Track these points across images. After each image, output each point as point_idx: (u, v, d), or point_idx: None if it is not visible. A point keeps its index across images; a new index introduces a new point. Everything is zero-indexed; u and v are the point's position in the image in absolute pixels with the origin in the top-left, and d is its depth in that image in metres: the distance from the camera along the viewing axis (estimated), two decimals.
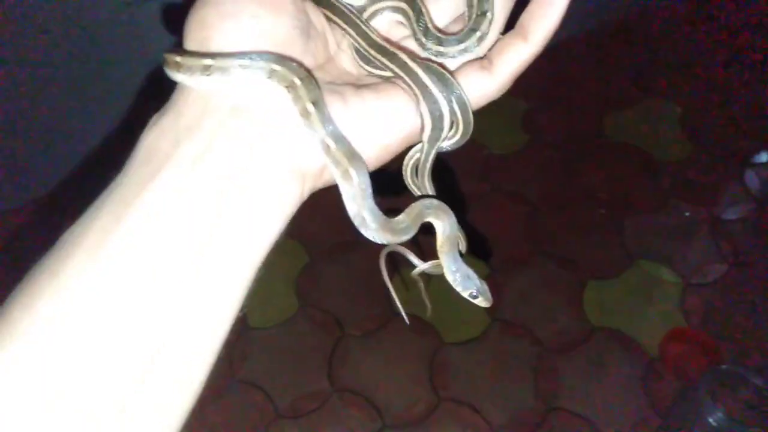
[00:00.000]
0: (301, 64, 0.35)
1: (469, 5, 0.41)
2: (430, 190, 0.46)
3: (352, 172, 0.35)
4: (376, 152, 0.37)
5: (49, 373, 0.29)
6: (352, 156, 0.35)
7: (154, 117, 0.35)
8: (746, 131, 1.88)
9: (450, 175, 1.70)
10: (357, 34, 0.42)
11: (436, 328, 1.51)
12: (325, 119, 0.34)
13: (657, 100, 1.97)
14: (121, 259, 0.31)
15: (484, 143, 1.83)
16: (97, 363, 0.30)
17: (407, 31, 0.44)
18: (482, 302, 0.47)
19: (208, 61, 0.33)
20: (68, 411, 0.29)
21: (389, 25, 0.45)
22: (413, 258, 0.48)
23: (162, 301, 0.31)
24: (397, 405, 1.40)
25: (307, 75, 0.35)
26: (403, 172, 0.47)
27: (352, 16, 0.42)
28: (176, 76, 0.35)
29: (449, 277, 0.46)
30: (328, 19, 0.43)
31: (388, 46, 0.41)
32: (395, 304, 0.53)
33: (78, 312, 0.30)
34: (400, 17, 0.44)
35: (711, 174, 1.80)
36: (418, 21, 0.42)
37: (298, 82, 0.34)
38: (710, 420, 1.21)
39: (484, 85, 0.40)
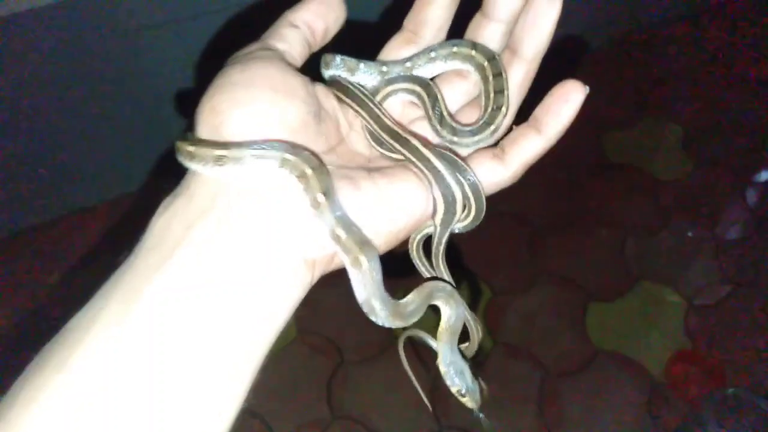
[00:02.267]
0: (313, 153, 0.35)
1: (486, 97, 0.42)
2: (445, 274, 0.45)
3: (363, 259, 0.35)
4: (385, 238, 0.37)
5: None
6: (363, 243, 0.35)
7: (167, 200, 0.35)
8: (747, 150, 1.87)
9: None
10: (370, 117, 0.42)
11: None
12: (335, 208, 0.34)
13: (657, 119, 1.97)
14: (129, 352, 0.30)
15: None
16: None
17: (420, 111, 0.44)
18: (468, 402, 0.46)
19: (221, 152, 0.33)
20: None
21: (403, 105, 0.45)
22: (433, 343, 0.47)
23: (169, 396, 0.30)
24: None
25: (319, 164, 0.35)
26: (410, 251, 0.46)
27: (364, 98, 0.42)
28: (190, 165, 0.35)
29: (442, 368, 0.45)
30: (340, 100, 0.42)
31: (400, 131, 0.41)
32: (418, 390, 0.54)
33: (83, 409, 0.29)
34: (414, 99, 0.44)
35: (713, 193, 1.79)
36: (433, 108, 0.42)
37: (309, 171, 0.34)
38: None
39: (497, 173, 0.41)
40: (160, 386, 0.30)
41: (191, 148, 0.34)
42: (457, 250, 1.59)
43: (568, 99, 0.38)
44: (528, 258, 1.67)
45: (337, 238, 0.34)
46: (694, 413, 1.31)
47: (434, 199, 0.39)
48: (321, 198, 0.34)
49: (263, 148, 0.33)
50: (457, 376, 0.45)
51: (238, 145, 0.33)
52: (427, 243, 0.46)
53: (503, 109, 0.41)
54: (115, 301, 0.31)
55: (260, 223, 0.33)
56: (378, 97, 0.44)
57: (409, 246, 0.46)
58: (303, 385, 1.45)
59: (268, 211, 0.34)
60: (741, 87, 2.03)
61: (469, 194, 0.40)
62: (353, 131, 0.43)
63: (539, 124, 0.39)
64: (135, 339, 0.30)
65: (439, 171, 0.39)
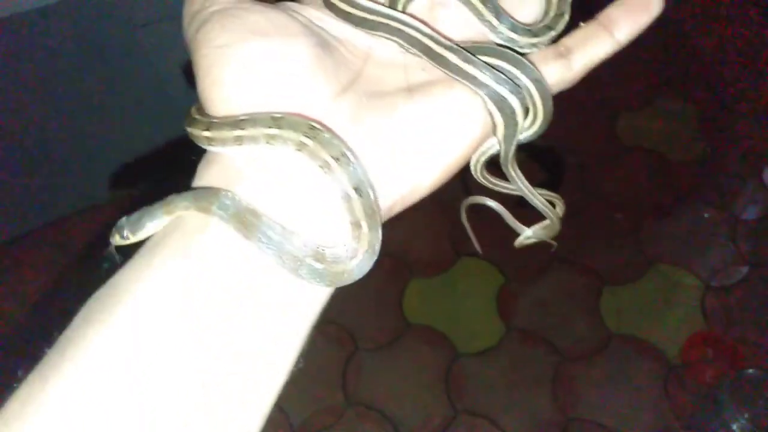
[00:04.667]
0: (331, 131, 0.31)
1: (548, 3, 0.38)
2: (520, 180, 0.41)
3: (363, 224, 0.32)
4: (439, 172, 0.33)
5: None
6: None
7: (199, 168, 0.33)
8: (762, 130, 1.84)
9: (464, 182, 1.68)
10: (391, 34, 0.36)
11: (451, 339, 1.49)
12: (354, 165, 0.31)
13: (671, 100, 1.94)
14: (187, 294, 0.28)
15: None
16: None
17: (450, 14, 0.37)
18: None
19: (238, 132, 0.31)
20: None
21: (431, 4, 0.38)
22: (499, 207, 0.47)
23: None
24: (413, 418, 1.39)
25: (343, 153, 0.31)
26: (474, 174, 0.42)
27: (376, 17, 0.36)
28: (210, 148, 0.33)
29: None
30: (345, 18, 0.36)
31: (432, 45, 0.35)
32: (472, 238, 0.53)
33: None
34: None
35: (728, 174, 1.77)
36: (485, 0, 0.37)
37: (331, 161, 0.31)
38: (734, 427, 1.18)
39: (561, 74, 0.37)
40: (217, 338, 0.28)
41: (208, 134, 0.32)
42: (468, 235, 1.58)
43: (648, 7, 0.35)
44: (542, 243, 1.66)
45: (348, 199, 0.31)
46: (712, 395, 1.30)
47: (491, 116, 0.34)
48: (333, 163, 0.31)
49: (281, 128, 0.31)
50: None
51: (253, 122, 0.31)
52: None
53: (566, 16, 0.37)
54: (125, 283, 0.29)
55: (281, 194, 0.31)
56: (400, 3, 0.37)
57: (472, 171, 0.42)
58: (318, 373, 1.46)
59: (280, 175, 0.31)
60: (755, 64, 1.99)
61: (535, 94, 0.36)
62: (378, 41, 0.37)
63: (612, 25, 0.36)
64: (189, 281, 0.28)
65: (487, 85, 0.34)
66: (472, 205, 0.49)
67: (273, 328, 0.30)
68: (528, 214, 0.46)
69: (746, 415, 1.22)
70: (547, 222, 0.45)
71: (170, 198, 0.31)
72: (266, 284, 0.30)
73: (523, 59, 0.36)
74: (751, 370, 1.32)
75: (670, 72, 2.00)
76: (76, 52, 1.23)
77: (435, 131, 0.32)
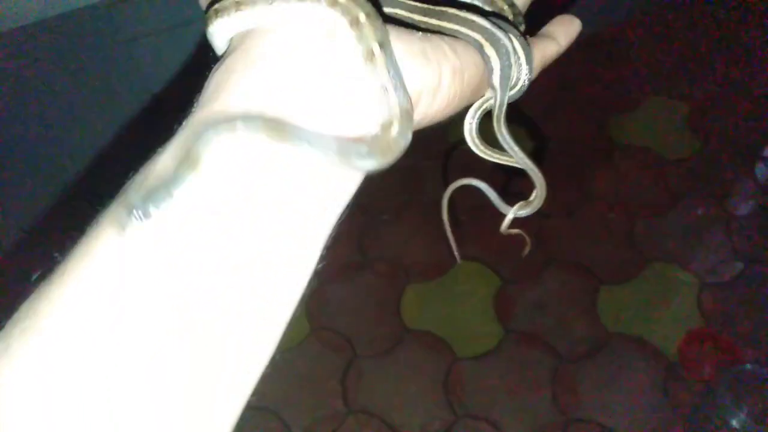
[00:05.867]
0: None
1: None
2: (510, 139, 0.42)
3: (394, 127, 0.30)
4: (442, 100, 0.32)
5: None
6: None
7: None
8: (754, 125, 1.85)
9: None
10: (389, 4, 0.36)
11: (449, 343, 1.49)
12: (391, 63, 0.29)
13: (661, 99, 1.95)
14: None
15: None
16: None
17: None
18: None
19: None
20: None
21: None
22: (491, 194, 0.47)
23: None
24: (414, 424, 1.39)
25: (374, 10, 0.29)
26: (468, 133, 0.43)
27: None
28: (239, 14, 0.30)
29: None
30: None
31: (430, 6, 0.36)
32: (452, 243, 0.52)
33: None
34: None
35: (721, 170, 1.77)
36: None
37: (363, 17, 0.29)
38: (733, 422, 1.19)
39: (549, 46, 0.41)
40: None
41: (217, 5, 0.30)
42: (465, 239, 1.59)
43: (574, 22, 0.43)
44: (537, 244, 1.66)
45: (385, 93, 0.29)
46: (711, 392, 1.30)
47: (488, 57, 0.35)
48: (376, 49, 0.29)
49: None
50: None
51: None
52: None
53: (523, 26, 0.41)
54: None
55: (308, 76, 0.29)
56: None
57: (467, 134, 0.43)
58: (318, 381, 1.46)
59: (314, 62, 0.29)
60: (746, 60, 2.00)
61: (518, 47, 0.37)
62: None
63: (555, 35, 0.42)
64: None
65: (486, 28, 0.35)
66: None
67: (302, 221, 0.29)
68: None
69: (745, 410, 1.23)
70: (531, 199, 0.46)
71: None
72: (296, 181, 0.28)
73: (506, 23, 0.38)
74: (748, 366, 1.32)
75: (659, 72, 2.01)
76: (63, 67, 1.23)
77: (442, 59, 0.32)
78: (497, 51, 0.35)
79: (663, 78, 1.99)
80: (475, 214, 1.73)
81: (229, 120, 0.26)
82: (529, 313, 1.54)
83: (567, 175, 1.79)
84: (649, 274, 1.58)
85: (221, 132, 0.26)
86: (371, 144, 0.29)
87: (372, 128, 0.29)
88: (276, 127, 0.27)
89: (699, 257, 1.62)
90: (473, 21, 0.35)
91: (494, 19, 0.36)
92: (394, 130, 0.29)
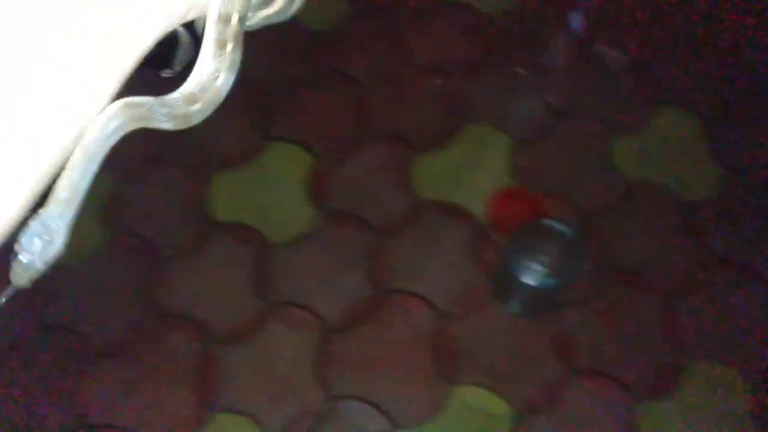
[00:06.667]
0: None
1: None
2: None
3: None
4: None
5: None
6: None
7: None
8: None
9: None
10: None
11: (261, 231, 1.42)
12: None
13: None
14: None
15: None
16: None
17: None
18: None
19: None
20: None
21: None
22: None
23: None
24: (223, 319, 1.34)
25: None
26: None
27: None
28: None
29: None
30: None
31: None
32: None
33: None
34: None
35: (534, 25, 1.72)
36: None
37: None
38: (527, 276, 1.21)
39: None
40: None
41: None
42: (276, 115, 1.49)
43: None
44: (354, 117, 1.58)
45: None
46: (510, 243, 1.32)
47: None
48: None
49: None
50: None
51: None
52: None
53: None
54: None
55: None
56: None
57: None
58: (120, 289, 1.37)
59: None
60: None
61: None
62: None
63: None
64: None
65: None
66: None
67: None
68: None
69: (542, 261, 1.25)
70: None
71: None
72: None
73: None
74: (552, 220, 1.34)
75: None
76: None
77: None
78: None
79: None
80: (291, 89, 1.60)
81: None
82: (343, 190, 1.49)
83: (386, 42, 1.68)
84: (464, 137, 1.55)
85: None
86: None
87: None
88: None
89: (513, 115, 1.60)
90: None
91: None
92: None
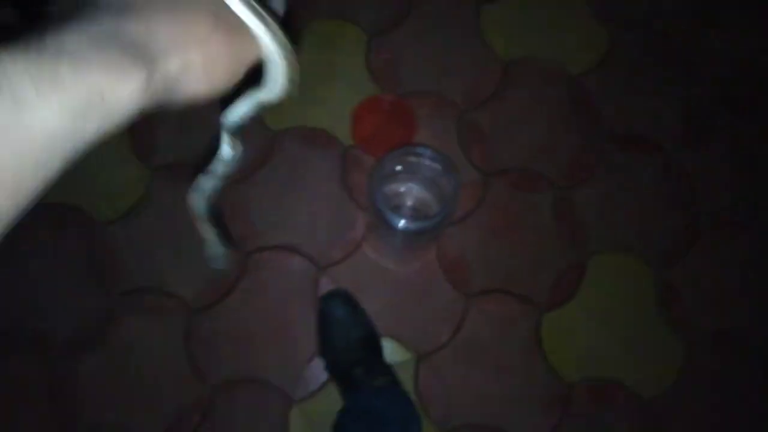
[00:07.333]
0: None
1: None
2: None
3: None
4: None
5: None
6: None
7: None
8: None
9: None
10: None
11: (93, 216, 1.18)
12: None
13: None
14: None
15: None
16: None
17: None
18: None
19: None
20: None
21: None
22: None
23: None
24: (64, 325, 1.13)
25: None
26: None
27: None
28: None
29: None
30: None
31: None
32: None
33: None
34: None
35: None
36: None
37: None
38: (397, 221, 1.03)
39: None
40: None
41: None
42: None
43: None
44: None
45: None
46: (378, 167, 1.12)
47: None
48: None
49: None
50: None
51: None
52: None
53: None
54: None
55: None
56: None
57: None
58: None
59: None
60: None
61: None
62: None
63: None
64: None
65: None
66: None
67: None
68: None
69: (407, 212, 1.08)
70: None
71: None
72: None
73: None
74: (409, 147, 1.12)
75: None
76: None
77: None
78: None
79: None
80: None
81: None
82: (174, 141, 1.23)
83: None
84: (313, 39, 1.30)
85: None
86: None
87: None
88: None
89: (365, 10, 1.33)
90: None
91: None
92: None
